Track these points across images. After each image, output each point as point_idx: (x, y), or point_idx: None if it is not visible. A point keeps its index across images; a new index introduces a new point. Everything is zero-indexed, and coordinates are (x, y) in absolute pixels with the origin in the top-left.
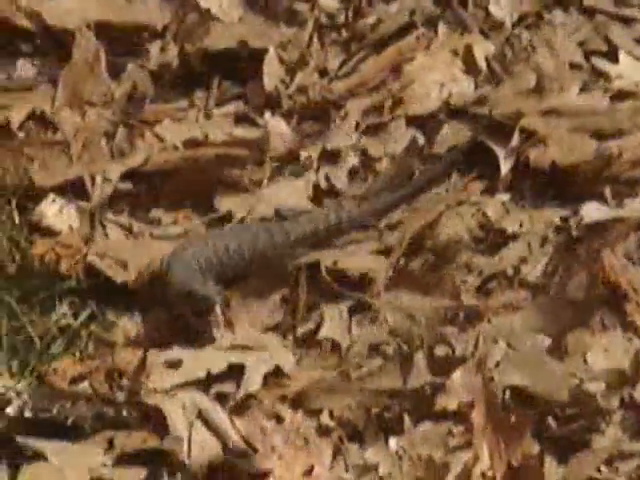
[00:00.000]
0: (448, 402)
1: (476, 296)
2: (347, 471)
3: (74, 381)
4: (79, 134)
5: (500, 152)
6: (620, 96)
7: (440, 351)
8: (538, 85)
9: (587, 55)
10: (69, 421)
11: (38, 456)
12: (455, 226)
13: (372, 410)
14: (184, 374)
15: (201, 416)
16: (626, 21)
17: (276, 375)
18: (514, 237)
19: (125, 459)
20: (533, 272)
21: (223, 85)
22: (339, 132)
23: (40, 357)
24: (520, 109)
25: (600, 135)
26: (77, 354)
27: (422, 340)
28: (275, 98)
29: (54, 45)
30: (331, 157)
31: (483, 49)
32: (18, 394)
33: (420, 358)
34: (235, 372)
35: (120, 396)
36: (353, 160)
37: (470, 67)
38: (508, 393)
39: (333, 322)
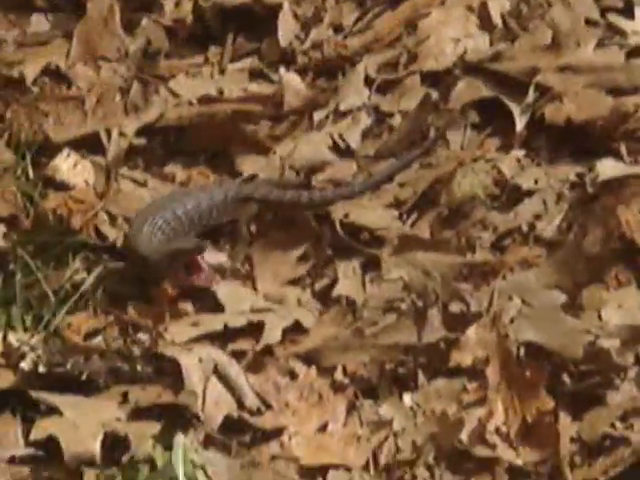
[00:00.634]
0: (462, 358)
1: (491, 252)
2: (361, 427)
3: (88, 336)
4: (93, 89)
5: (515, 108)
6: (636, 52)
7: (455, 307)
8: (554, 41)
9: (603, 11)
10: (83, 376)
11: (52, 410)
12: (470, 183)
13: (386, 366)
14: (202, 327)
15: (217, 371)
16: None
17: (294, 331)
18: (529, 193)
19: (139, 413)
20: (548, 228)
21: (238, 41)
22: (353, 89)
23: (54, 312)
24: (535, 65)
25: (616, 91)
26: (91, 309)
27: (437, 296)
28: (290, 54)
29: (69, 0)
30: (345, 116)
31: (498, 5)
32: (32, 349)
33: (435, 314)
34: (253, 329)
35: (135, 351)
36: (366, 120)
37: (485, 23)
38: (523, 349)
39: (347, 279)
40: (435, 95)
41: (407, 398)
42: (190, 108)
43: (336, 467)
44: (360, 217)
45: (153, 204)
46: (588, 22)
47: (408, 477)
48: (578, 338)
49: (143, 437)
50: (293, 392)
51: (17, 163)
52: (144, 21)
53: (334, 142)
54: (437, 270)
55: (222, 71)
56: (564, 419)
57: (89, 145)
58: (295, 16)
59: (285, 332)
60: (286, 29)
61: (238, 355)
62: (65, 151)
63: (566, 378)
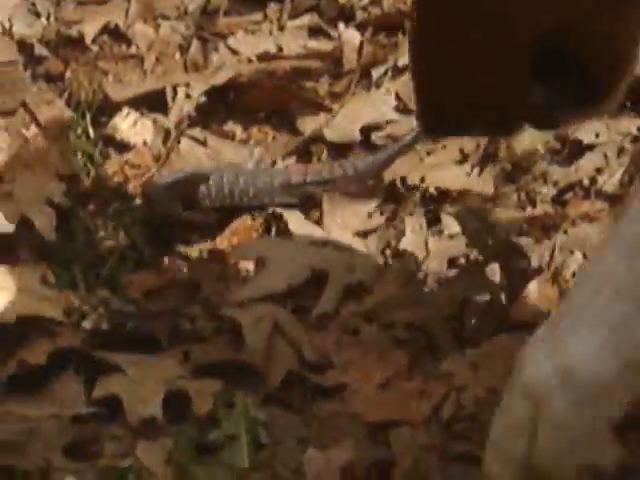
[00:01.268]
0: (524, 313)
1: (552, 207)
2: (423, 383)
3: (149, 294)
4: (153, 47)
5: None
6: None
7: (516, 262)
8: None
9: None
10: (145, 334)
11: (114, 369)
12: (531, 137)
13: (447, 321)
14: (263, 286)
15: (278, 328)
16: None
17: (358, 289)
18: (590, 147)
19: (201, 371)
20: (610, 182)
21: None
22: None
23: (115, 271)
24: None
25: None
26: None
27: (498, 251)
28: (349, 10)
29: None
30: (403, 72)
31: None
32: (94, 308)
33: (495, 269)
34: (316, 281)
35: (196, 309)
36: None
37: None
38: None
39: (413, 234)
40: None
41: (469, 353)
42: (249, 65)
43: (398, 423)
44: (437, 181)
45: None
46: None
47: (470, 432)
48: None
49: (205, 395)
50: (355, 349)
51: (77, 122)
52: None
53: (395, 99)
54: (498, 225)
55: (281, 28)
56: None
57: (149, 104)
58: None
59: (348, 290)
60: None
61: (300, 311)
62: (125, 110)
63: None
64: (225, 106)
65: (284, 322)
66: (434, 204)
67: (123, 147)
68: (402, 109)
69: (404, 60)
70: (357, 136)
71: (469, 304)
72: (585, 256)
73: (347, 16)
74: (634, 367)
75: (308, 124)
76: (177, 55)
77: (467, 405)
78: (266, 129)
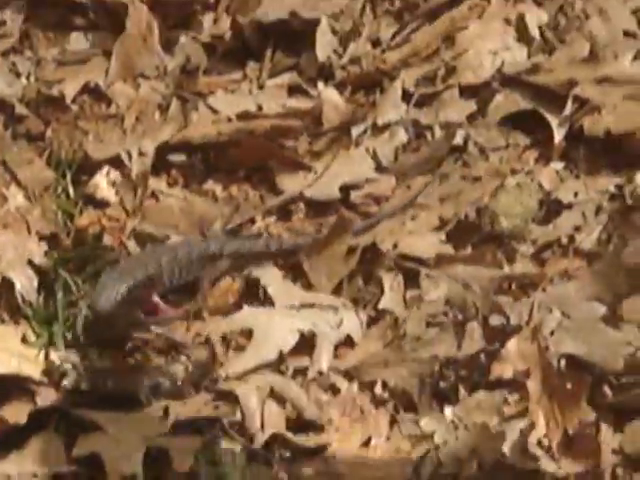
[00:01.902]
0: (503, 370)
1: (531, 265)
2: (403, 441)
3: (130, 352)
4: (133, 107)
5: (554, 120)
6: None
7: (495, 320)
8: (591, 53)
9: None
10: (125, 392)
11: (95, 427)
12: (511, 203)
13: (426, 379)
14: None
15: (273, 393)
16: None
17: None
18: (569, 206)
19: (180, 428)
20: (588, 240)
21: (276, 56)
22: (391, 103)
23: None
24: (573, 77)
25: None
26: None
27: (477, 309)
28: (328, 69)
29: (107, 18)
30: (383, 131)
31: (536, 17)
32: (74, 366)
33: (475, 327)
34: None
35: (175, 368)
36: (403, 136)
37: (523, 36)
38: (563, 361)
39: (392, 293)
40: (474, 108)
41: (448, 411)
42: (229, 124)
43: None
44: (409, 247)
45: (120, 266)
46: (626, 34)
47: None
48: (618, 350)
49: (185, 452)
50: (335, 408)
51: (57, 181)
52: (182, 38)
53: (372, 158)
54: (477, 283)
55: (261, 87)
56: (606, 431)
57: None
58: (333, 31)
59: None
60: (324, 44)
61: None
62: (105, 169)
63: (607, 390)
64: (205, 165)
65: (281, 387)
66: (411, 263)
67: (103, 205)
68: (380, 167)
69: (383, 118)
70: (336, 194)
71: (449, 362)
72: (564, 314)
73: (326, 75)
74: None
75: (288, 182)
76: (157, 114)
77: (447, 463)
78: (246, 187)
